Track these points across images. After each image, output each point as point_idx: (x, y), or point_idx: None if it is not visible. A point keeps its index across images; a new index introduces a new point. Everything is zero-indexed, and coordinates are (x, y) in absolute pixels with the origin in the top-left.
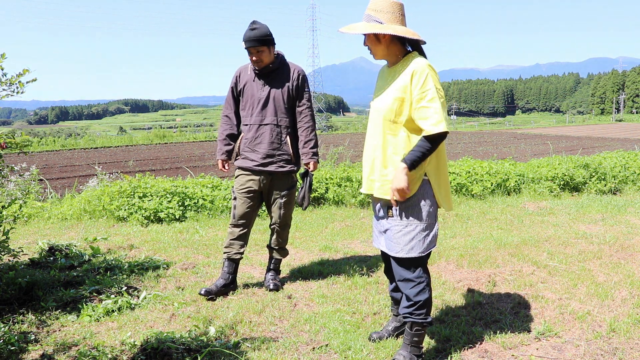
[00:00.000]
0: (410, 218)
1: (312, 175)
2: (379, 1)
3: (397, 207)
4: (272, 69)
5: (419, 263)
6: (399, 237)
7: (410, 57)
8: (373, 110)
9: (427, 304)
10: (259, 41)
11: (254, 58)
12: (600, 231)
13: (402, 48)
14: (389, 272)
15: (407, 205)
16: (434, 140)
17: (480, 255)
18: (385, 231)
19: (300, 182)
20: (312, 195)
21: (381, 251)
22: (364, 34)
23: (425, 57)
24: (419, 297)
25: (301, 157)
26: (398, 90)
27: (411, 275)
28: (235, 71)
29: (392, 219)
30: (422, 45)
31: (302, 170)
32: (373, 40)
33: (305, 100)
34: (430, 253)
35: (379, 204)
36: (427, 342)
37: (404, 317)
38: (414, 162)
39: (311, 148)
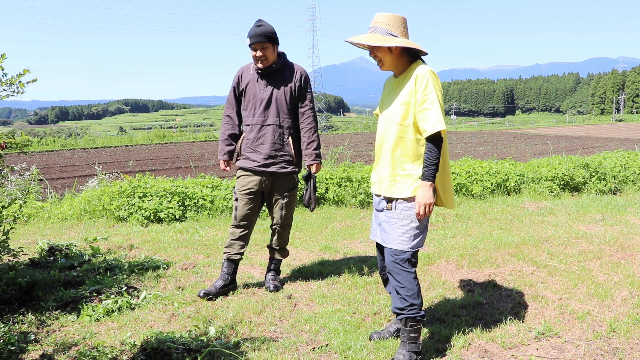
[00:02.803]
0: (407, 214)
1: (315, 177)
2: (391, 16)
3: (397, 202)
4: (274, 69)
5: (407, 257)
6: (394, 229)
7: (415, 65)
8: (385, 115)
9: (417, 297)
10: (265, 37)
11: (258, 54)
12: (600, 231)
13: (408, 59)
14: (383, 274)
15: (409, 203)
16: (436, 142)
17: (480, 255)
18: (380, 224)
19: (303, 184)
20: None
21: (377, 250)
22: (373, 45)
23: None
24: (408, 293)
25: (304, 159)
26: (405, 95)
27: (402, 267)
28: (236, 71)
29: (390, 212)
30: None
31: (304, 172)
32: (386, 51)
33: (308, 101)
34: (417, 252)
35: (380, 197)
36: (427, 342)
37: (397, 315)
38: (434, 175)
39: (314, 150)
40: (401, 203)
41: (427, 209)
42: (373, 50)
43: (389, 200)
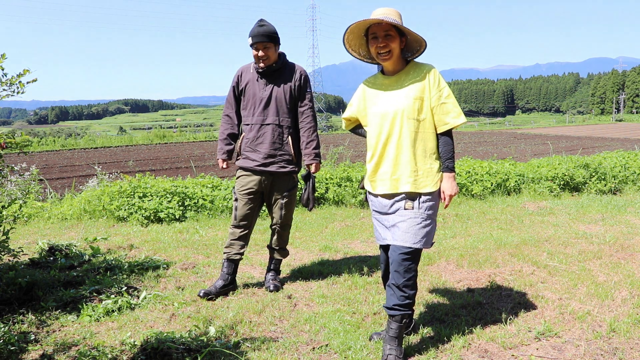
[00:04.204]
0: (430, 213)
1: (315, 177)
2: (393, 10)
3: (420, 199)
4: (274, 68)
5: (420, 256)
6: (418, 229)
7: (418, 63)
8: (389, 113)
9: (414, 295)
10: (267, 37)
11: (260, 54)
12: (600, 231)
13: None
14: (386, 277)
15: (432, 202)
16: (451, 134)
17: (480, 255)
18: (394, 225)
19: (302, 183)
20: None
21: (384, 253)
22: (386, 35)
23: None
24: (412, 291)
25: (303, 158)
26: (417, 90)
27: (412, 266)
28: (236, 71)
29: (412, 210)
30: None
31: (303, 171)
32: (398, 43)
33: (307, 100)
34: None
35: (392, 200)
36: (427, 342)
37: (392, 310)
38: (454, 165)
39: (313, 149)
40: (425, 202)
41: (451, 199)
42: (386, 40)
43: (412, 198)
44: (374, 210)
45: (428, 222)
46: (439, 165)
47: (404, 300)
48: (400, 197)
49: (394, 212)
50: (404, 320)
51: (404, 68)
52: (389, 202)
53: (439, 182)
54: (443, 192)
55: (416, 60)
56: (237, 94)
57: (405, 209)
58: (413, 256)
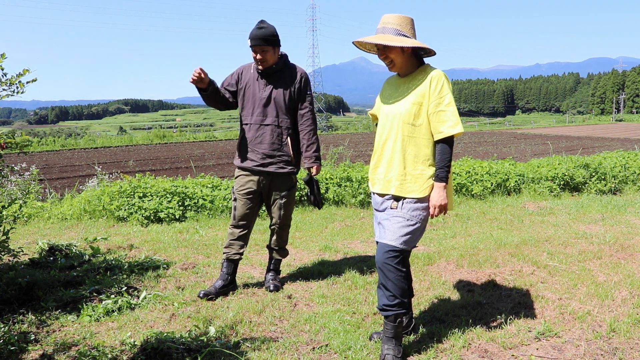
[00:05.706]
0: (414, 215)
1: (316, 178)
2: (400, 17)
3: (405, 201)
4: (275, 69)
5: (404, 255)
6: (397, 228)
7: (427, 67)
8: (390, 115)
9: (405, 294)
10: (265, 40)
11: (258, 57)
12: (600, 231)
13: (416, 60)
14: None
15: (417, 203)
16: (449, 143)
17: (480, 255)
18: (380, 222)
19: (304, 186)
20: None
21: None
22: (385, 46)
23: None
24: (399, 291)
25: (303, 161)
26: (417, 95)
27: (395, 265)
28: (237, 68)
29: (395, 210)
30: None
31: (304, 175)
32: (399, 52)
33: (308, 103)
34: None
35: (383, 198)
36: (427, 342)
37: (383, 311)
38: (447, 176)
39: (314, 152)
40: (409, 203)
41: (441, 210)
42: (384, 51)
43: (397, 199)
44: (374, 207)
45: (410, 222)
46: (432, 172)
47: (392, 300)
48: (388, 196)
49: (383, 210)
50: (398, 319)
51: (415, 71)
52: (381, 199)
53: (428, 189)
54: (429, 202)
55: (430, 64)
56: (236, 90)
57: (390, 208)
58: (395, 255)
